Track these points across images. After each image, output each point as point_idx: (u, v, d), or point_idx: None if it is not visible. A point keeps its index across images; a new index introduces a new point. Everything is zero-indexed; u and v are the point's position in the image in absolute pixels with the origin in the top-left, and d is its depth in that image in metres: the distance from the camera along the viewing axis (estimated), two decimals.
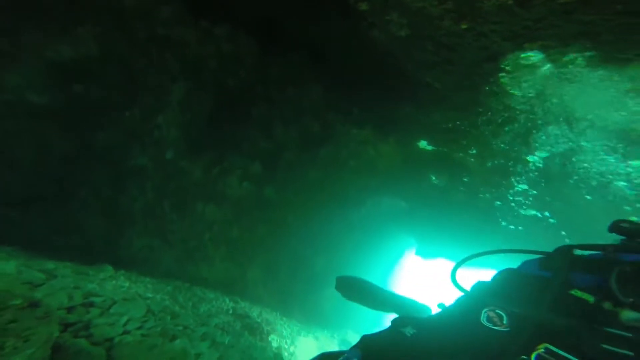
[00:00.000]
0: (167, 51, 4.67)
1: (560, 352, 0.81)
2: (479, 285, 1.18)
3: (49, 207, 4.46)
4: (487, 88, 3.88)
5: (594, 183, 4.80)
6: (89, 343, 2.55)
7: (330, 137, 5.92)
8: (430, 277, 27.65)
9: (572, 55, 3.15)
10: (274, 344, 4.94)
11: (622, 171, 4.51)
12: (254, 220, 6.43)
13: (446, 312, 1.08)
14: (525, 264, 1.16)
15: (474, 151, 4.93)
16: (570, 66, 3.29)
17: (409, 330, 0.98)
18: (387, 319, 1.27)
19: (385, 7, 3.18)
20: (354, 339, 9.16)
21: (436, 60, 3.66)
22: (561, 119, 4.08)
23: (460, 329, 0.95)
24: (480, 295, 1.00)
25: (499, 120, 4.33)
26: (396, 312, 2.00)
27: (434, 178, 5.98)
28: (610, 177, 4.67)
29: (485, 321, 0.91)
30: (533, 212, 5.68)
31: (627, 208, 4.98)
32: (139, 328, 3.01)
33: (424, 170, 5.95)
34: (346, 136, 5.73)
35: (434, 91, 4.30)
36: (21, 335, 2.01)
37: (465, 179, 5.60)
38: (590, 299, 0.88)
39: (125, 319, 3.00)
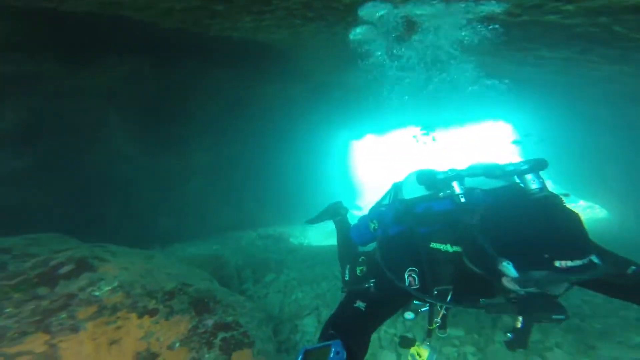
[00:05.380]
0: None
1: (445, 287, 1.29)
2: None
3: None
4: None
5: None
6: None
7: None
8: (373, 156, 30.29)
9: None
10: (295, 242, 7.44)
11: None
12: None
13: (377, 282, 1.38)
14: (384, 220, 1.66)
15: None
16: None
17: (360, 305, 1.27)
18: None
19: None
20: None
21: None
22: None
23: (394, 293, 1.30)
24: (395, 264, 1.34)
25: None
26: (331, 217, 2.95)
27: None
28: None
29: (408, 285, 1.28)
30: None
31: None
32: None
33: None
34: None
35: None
36: None
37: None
38: (450, 248, 1.29)
39: None
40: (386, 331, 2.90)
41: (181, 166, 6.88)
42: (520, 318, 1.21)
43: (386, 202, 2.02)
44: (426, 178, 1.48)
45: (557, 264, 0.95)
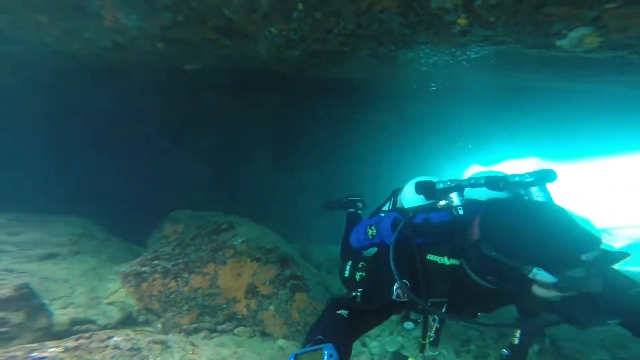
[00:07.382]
0: None
1: (436, 299, 1.29)
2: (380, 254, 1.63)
3: None
4: None
5: None
6: None
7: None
8: None
9: None
10: None
11: None
12: None
13: (364, 292, 1.39)
14: (382, 227, 1.64)
15: None
16: None
17: (343, 312, 1.28)
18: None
19: None
20: None
21: None
22: None
23: (380, 303, 1.31)
24: (386, 275, 1.31)
25: None
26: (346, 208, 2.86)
27: None
28: None
29: (396, 297, 1.26)
30: None
31: None
32: None
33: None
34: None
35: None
36: None
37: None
38: (446, 261, 1.28)
39: None
40: None
41: (294, 183, 9.03)
42: (517, 334, 1.18)
43: (386, 208, 2.12)
44: (425, 188, 1.46)
45: (583, 257, 0.89)
